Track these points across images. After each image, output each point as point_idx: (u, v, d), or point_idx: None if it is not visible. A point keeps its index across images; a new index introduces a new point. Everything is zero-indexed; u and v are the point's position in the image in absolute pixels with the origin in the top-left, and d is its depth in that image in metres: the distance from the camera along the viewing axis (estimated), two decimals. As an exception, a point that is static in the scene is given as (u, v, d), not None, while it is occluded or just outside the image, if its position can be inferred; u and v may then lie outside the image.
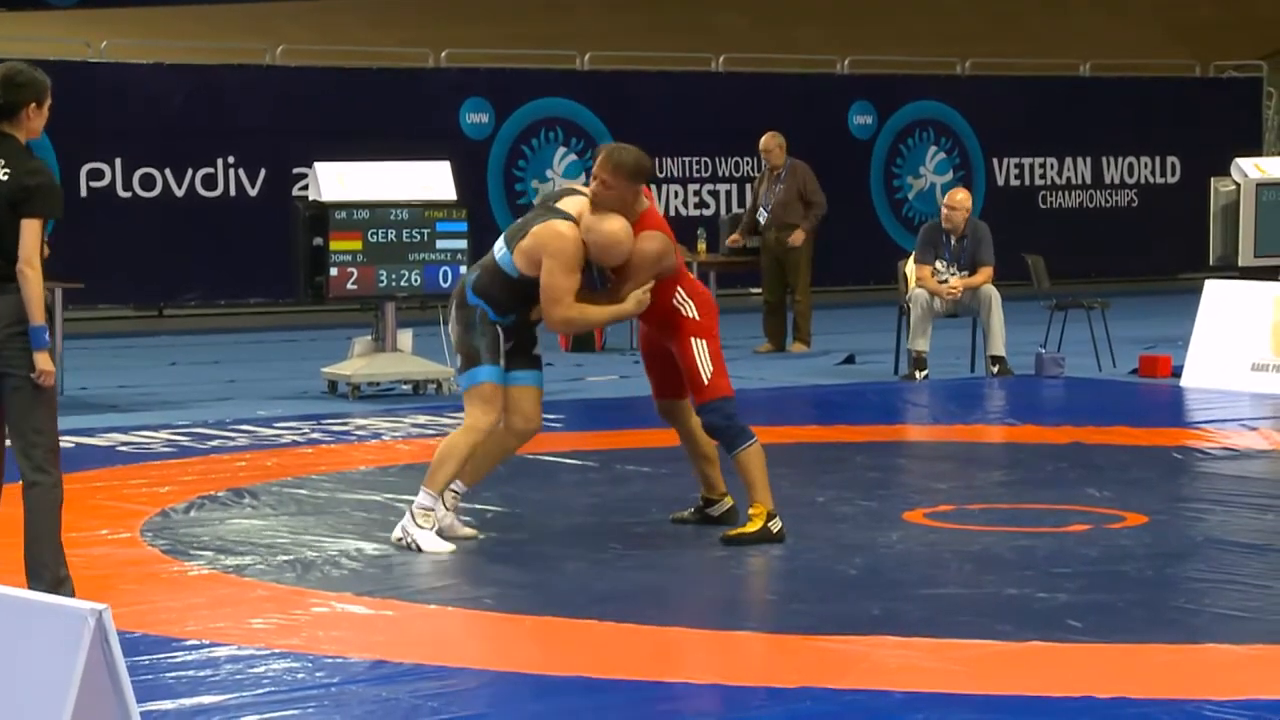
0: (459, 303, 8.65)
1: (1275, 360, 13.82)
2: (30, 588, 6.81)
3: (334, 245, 13.74)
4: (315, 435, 11.90)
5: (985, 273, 14.76)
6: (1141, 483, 9.94)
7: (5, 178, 6.83)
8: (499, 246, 8.62)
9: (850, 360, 15.91)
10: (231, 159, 19.58)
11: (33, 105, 6.93)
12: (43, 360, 6.81)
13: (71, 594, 6.92)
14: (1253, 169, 16.21)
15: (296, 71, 20.40)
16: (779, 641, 6.83)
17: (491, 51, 21.71)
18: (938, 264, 14.79)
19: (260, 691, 6.18)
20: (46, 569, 6.98)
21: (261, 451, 11.23)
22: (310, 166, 14.47)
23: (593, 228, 8.46)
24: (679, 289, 8.64)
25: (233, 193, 19.62)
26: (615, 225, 8.48)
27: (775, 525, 8.44)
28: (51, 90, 7.02)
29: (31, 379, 6.82)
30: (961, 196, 14.98)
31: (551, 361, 16.10)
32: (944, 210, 14.89)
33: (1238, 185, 15.96)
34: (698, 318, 8.58)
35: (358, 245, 13.78)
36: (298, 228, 14.02)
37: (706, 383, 8.49)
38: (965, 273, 14.75)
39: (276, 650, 6.72)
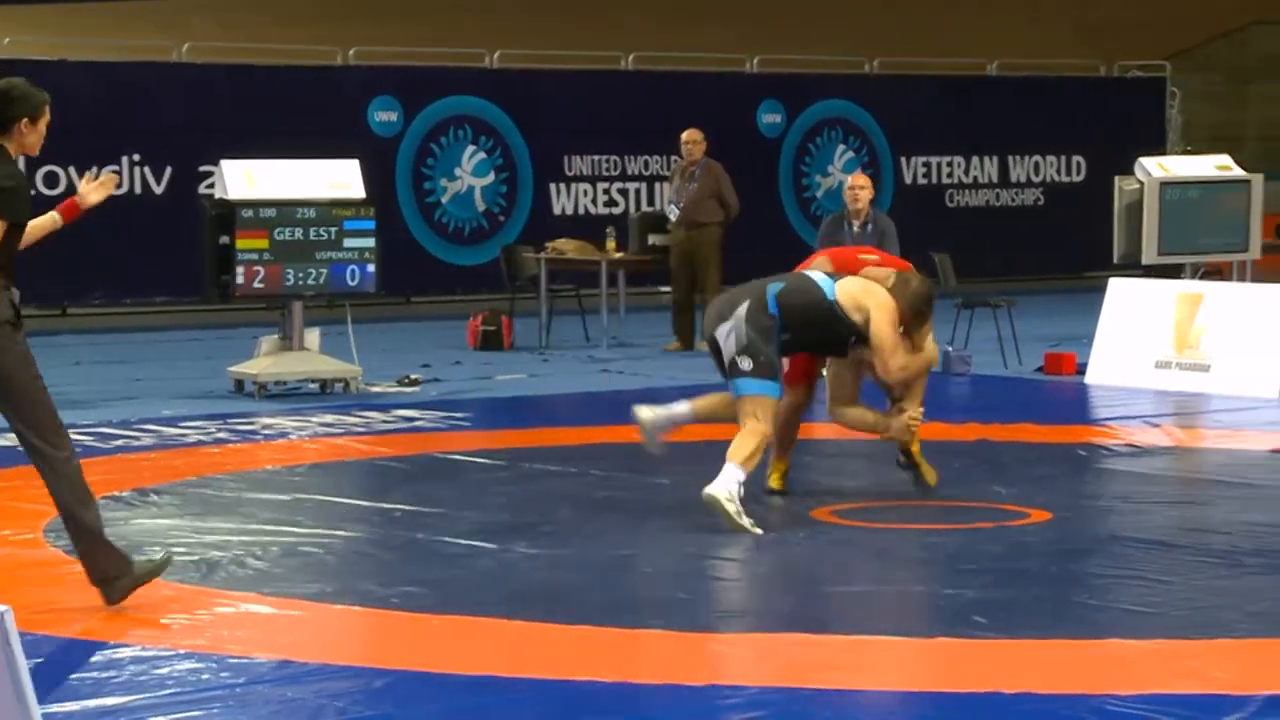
0: (758, 307, 8.86)
1: (1178, 357, 13.95)
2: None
3: (241, 244, 13.65)
4: (221, 435, 11.82)
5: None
6: (1046, 480, 10.01)
7: None
8: (821, 276, 9.04)
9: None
10: (137, 156, 19.44)
11: (25, 120, 6.96)
12: None
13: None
14: (1156, 168, 16.37)
15: (203, 69, 20.27)
16: (686, 640, 6.83)
17: (400, 49, 21.66)
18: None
19: (165, 692, 6.13)
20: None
21: (167, 451, 11.15)
22: (217, 164, 14.38)
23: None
24: None
25: (138, 190, 19.47)
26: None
27: None
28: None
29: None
30: (864, 179, 15.15)
31: (460, 360, 16.11)
32: (848, 192, 14.98)
33: (1142, 184, 16.10)
34: None
35: (264, 244, 13.69)
36: (204, 226, 13.93)
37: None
38: None
39: (181, 651, 6.67)
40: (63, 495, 7.07)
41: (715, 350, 9.01)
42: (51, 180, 18.91)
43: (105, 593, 7.16)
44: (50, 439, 7.06)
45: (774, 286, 8.94)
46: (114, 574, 7.15)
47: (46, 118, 7.04)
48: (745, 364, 8.79)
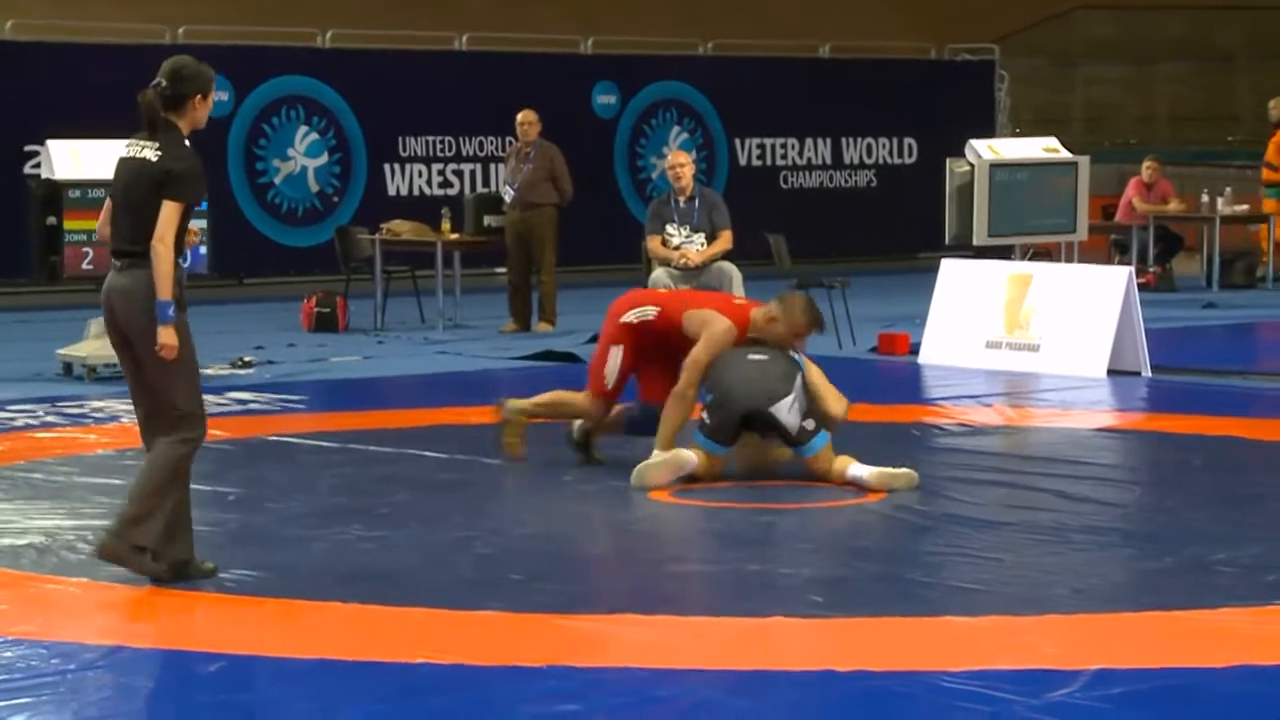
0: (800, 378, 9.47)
1: (1008, 338, 14.14)
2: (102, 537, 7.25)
3: (68, 224, 13.45)
4: (50, 418, 11.65)
5: (725, 237, 14.97)
6: (881, 458, 10.09)
7: (155, 159, 7.19)
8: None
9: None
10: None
11: (198, 97, 7.31)
12: (165, 334, 7.06)
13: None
14: (986, 150, 16.58)
15: (30, 46, 19.93)
16: (523, 621, 6.83)
17: (231, 28, 21.38)
18: (668, 228, 14.98)
19: (-6, 680, 6.05)
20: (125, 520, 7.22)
21: (7, 434, 10.97)
22: (43, 144, 14.15)
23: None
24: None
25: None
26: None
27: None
28: None
29: (155, 350, 7.09)
30: (684, 156, 15.41)
31: (294, 342, 15.98)
32: (669, 171, 15.13)
33: (972, 166, 16.30)
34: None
35: (93, 224, 13.47)
36: (30, 206, 13.71)
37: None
38: (701, 235, 14.93)
39: (9, 637, 6.57)
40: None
41: (750, 421, 9.34)
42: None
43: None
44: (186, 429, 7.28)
45: (799, 359, 9.60)
46: None
47: (214, 94, 7.44)
48: (810, 425, 9.34)
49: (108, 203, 7.44)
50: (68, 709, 5.87)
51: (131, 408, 7.50)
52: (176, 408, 7.21)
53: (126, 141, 7.38)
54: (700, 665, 6.24)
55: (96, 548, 7.29)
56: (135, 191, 7.21)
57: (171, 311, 7.08)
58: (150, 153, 7.23)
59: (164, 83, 7.29)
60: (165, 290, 7.07)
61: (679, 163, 15.11)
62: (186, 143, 7.31)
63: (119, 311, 7.23)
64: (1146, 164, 21.05)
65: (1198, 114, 31.54)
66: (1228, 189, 21.30)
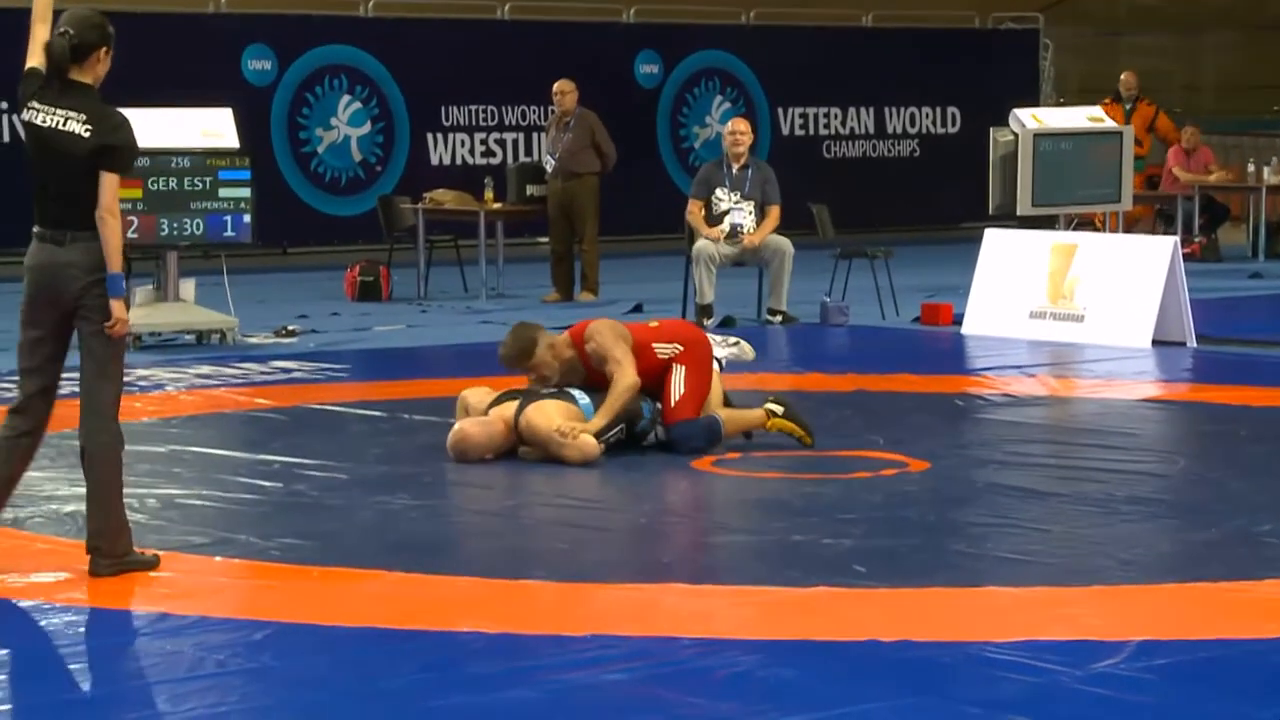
0: None
1: (1052, 308, 14.09)
2: (92, 561, 6.98)
3: (110, 193, 13.46)
4: (96, 386, 11.67)
5: (775, 213, 15.02)
6: (924, 429, 10.09)
7: (87, 135, 6.91)
8: None
9: (638, 309, 15.96)
10: (4, 105, 19.14)
11: (103, 49, 7.03)
12: (119, 308, 6.91)
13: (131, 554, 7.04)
14: (1030, 119, 16.49)
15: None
16: (569, 590, 6.84)
17: (274, -4, 21.40)
18: (718, 193, 15.02)
19: (43, 647, 6.08)
20: (108, 538, 7.01)
21: None
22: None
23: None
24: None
25: (7, 139, 19.19)
26: None
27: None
28: None
29: (106, 327, 6.92)
30: (745, 124, 15.45)
31: (338, 311, 16.01)
32: (728, 137, 15.18)
33: (1016, 136, 16.22)
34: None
35: (138, 193, 13.52)
36: (76, 175, 13.72)
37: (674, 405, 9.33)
38: (750, 204, 14.97)
39: (58, 604, 6.61)
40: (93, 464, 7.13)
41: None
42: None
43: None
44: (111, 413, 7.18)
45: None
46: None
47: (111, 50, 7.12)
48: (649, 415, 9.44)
49: None
50: (116, 676, 5.90)
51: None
52: (113, 388, 7.06)
53: (37, 102, 6.98)
54: (744, 635, 6.24)
55: (94, 573, 6.99)
56: (70, 166, 6.91)
57: (124, 284, 6.97)
58: (78, 125, 6.92)
59: (70, 31, 6.94)
60: (116, 263, 6.92)
61: (740, 130, 15.23)
62: (106, 106, 7.04)
63: (63, 287, 6.96)
64: (1187, 130, 20.97)
65: (1245, 83, 31.31)
66: (1275, 158, 21.18)
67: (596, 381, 9.30)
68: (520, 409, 9.10)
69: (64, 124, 6.94)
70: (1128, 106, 20.96)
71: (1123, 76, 21.51)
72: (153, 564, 7.11)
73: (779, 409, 9.54)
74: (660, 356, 9.37)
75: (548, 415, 9.04)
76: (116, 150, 6.95)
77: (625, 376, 9.14)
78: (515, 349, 9.36)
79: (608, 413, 9.10)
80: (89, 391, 7.09)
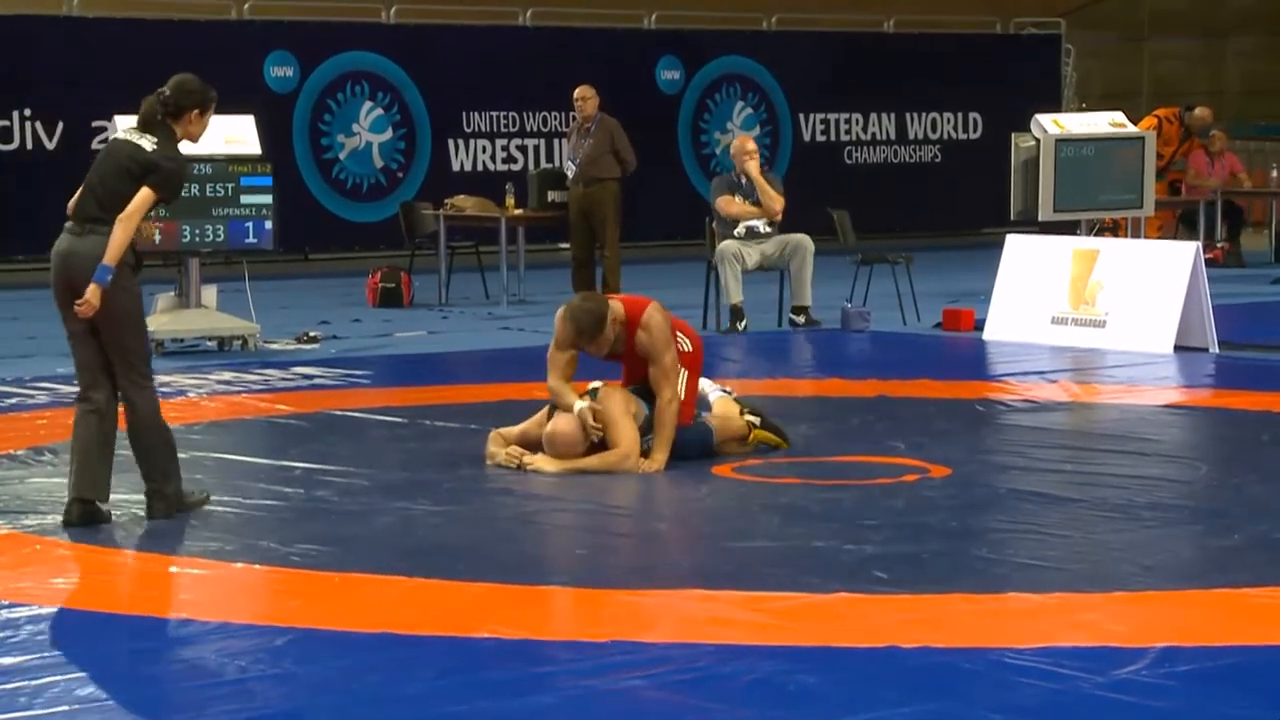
0: None
1: (1074, 313, 14.07)
2: (149, 504, 7.96)
3: (136, 200, 13.50)
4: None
5: (779, 188, 15.32)
6: (945, 435, 10.07)
7: (149, 149, 7.86)
8: None
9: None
10: (28, 111, 19.20)
11: (195, 112, 7.99)
12: (93, 293, 7.70)
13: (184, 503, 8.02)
14: (1052, 125, 16.47)
15: (95, 22, 20.03)
16: (588, 596, 6.84)
17: (296, 4, 21.45)
18: (736, 198, 15.24)
19: (62, 652, 6.09)
20: (168, 480, 8.00)
21: (62, 409, 11.01)
22: (109, 119, 14.22)
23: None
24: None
25: (29, 145, 19.24)
26: None
27: None
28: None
29: (75, 305, 7.73)
30: (752, 144, 15.60)
31: (359, 317, 16.03)
32: (739, 158, 15.28)
33: (1038, 141, 16.20)
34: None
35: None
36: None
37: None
38: (767, 220, 15.15)
39: (80, 609, 6.62)
40: (139, 425, 7.97)
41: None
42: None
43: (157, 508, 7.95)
44: (142, 370, 7.99)
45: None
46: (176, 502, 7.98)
47: (212, 113, 8.11)
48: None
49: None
50: (138, 681, 5.91)
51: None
52: (131, 350, 7.88)
53: (125, 125, 7.98)
54: (764, 641, 6.24)
55: (150, 515, 7.90)
56: (120, 169, 7.83)
57: (109, 276, 7.71)
58: (146, 143, 7.86)
59: (167, 92, 7.92)
60: (114, 257, 7.74)
61: (749, 150, 15.34)
62: (180, 148, 7.95)
63: (78, 271, 7.80)
64: (1213, 134, 20.88)
65: (1268, 87, 31.24)
66: (1297, 163, 21.13)
67: (623, 358, 9.39)
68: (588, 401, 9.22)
69: (136, 138, 7.91)
70: (1202, 141, 20.67)
71: (1197, 112, 20.98)
72: (204, 501, 8.00)
73: (756, 420, 9.54)
74: (680, 349, 9.38)
75: (623, 405, 9.19)
76: (168, 174, 7.83)
77: (669, 401, 9.13)
78: (590, 321, 9.25)
79: (665, 445, 9.12)
80: (86, 363, 7.95)
